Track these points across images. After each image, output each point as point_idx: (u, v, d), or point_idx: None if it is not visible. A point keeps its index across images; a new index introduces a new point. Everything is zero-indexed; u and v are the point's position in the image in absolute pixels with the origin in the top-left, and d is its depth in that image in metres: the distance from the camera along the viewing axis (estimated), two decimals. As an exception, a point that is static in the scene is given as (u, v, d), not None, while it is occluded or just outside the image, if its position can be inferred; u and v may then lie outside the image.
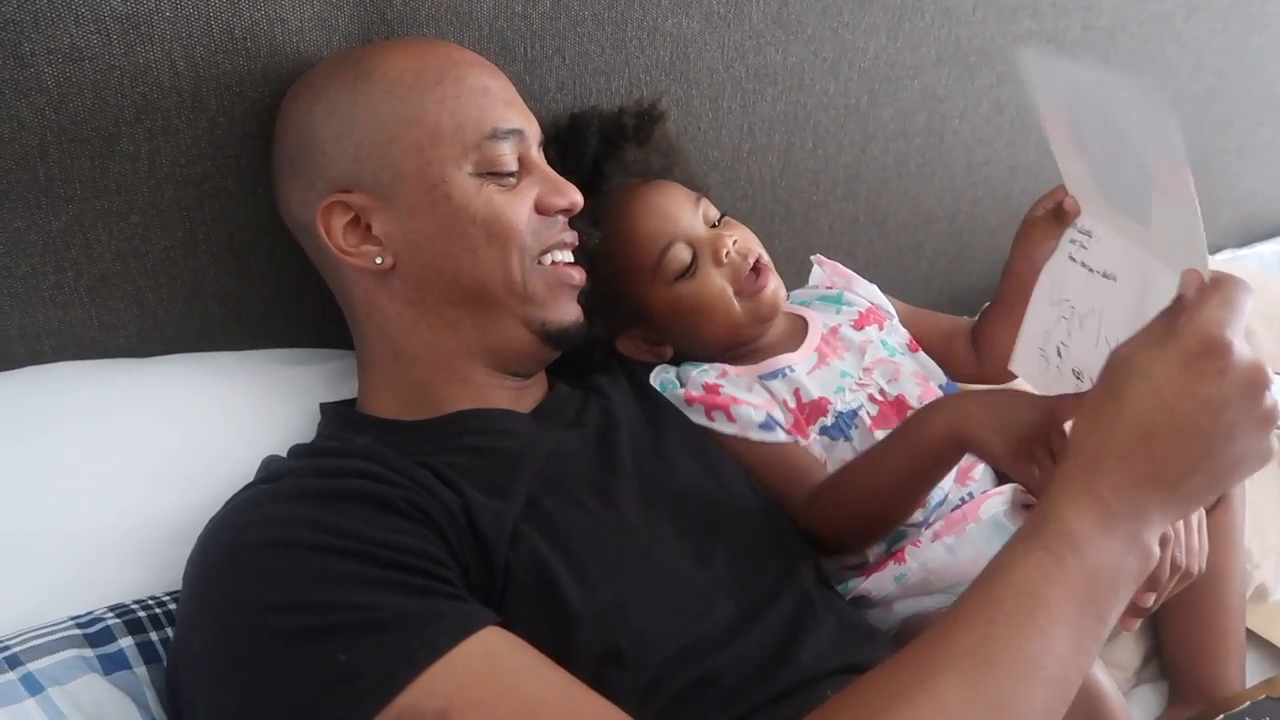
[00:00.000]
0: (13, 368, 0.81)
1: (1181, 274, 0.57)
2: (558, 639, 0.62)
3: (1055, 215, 0.73)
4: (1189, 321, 0.54)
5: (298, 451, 0.75)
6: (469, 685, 0.56)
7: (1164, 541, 0.70)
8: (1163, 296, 0.58)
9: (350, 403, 0.81)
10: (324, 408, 0.81)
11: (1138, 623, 0.83)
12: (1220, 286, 0.55)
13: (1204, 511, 0.77)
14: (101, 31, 0.74)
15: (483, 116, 0.75)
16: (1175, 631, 0.94)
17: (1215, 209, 1.58)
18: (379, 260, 0.74)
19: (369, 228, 0.74)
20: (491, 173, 0.75)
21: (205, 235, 0.84)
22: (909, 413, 0.87)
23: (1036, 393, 0.73)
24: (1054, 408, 0.69)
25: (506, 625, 0.60)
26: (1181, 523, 0.73)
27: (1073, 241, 0.71)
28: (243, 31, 0.78)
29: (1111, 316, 0.66)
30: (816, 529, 0.82)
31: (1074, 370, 0.69)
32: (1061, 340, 0.70)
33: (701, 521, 0.75)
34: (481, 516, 0.65)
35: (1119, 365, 0.56)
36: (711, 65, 1.02)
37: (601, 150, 0.90)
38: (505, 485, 0.68)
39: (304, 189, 0.75)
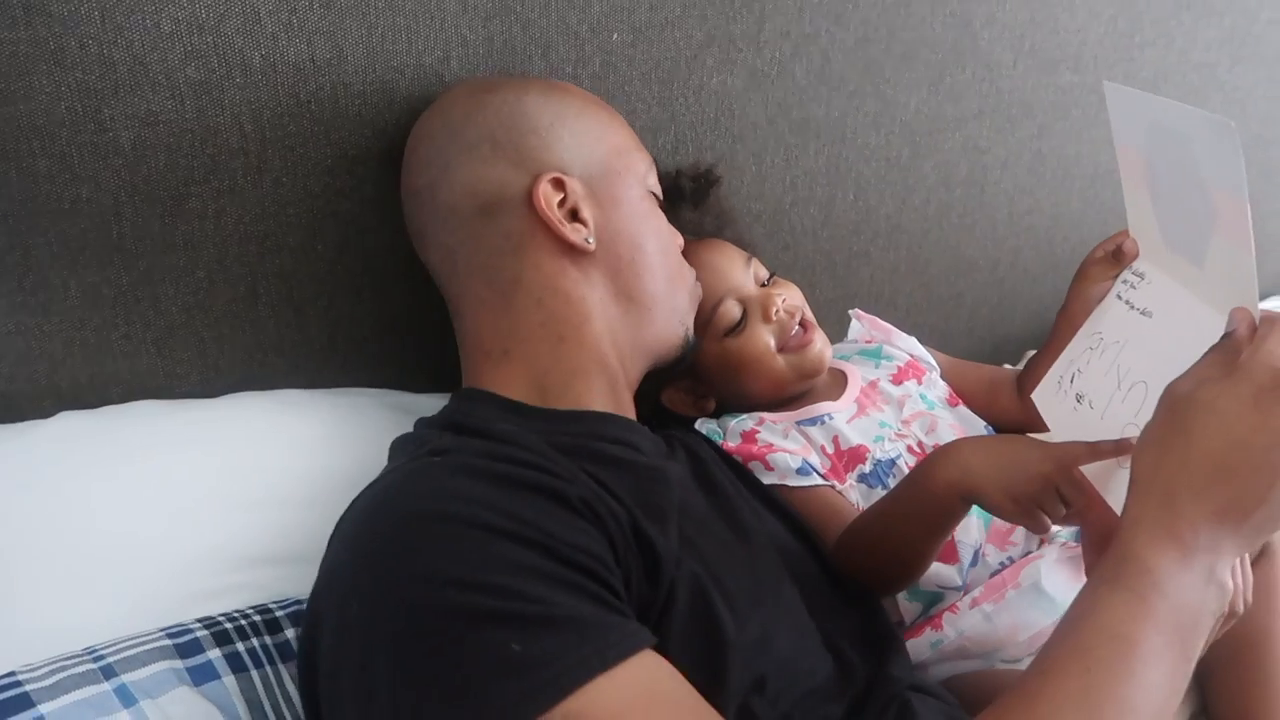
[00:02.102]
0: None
1: (1230, 312, 0.57)
2: (711, 665, 0.61)
3: (1114, 256, 0.75)
4: (1254, 356, 0.54)
5: (440, 424, 0.73)
6: (632, 703, 0.54)
7: None
8: (1200, 336, 0.58)
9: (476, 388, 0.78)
10: (457, 394, 0.78)
11: None
12: (1278, 323, 0.56)
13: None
14: (176, 97, 0.78)
15: (642, 152, 0.83)
16: (1222, 690, 0.93)
17: (1264, 255, 1.56)
18: (590, 240, 0.76)
19: (574, 211, 0.77)
20: (653, 194, 0.83)
21: (266, 289, 0.87)
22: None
23: (1045, 421, 0.73)
24: (1061, 457, 0.68)
25: (665, 646, 0.59)
26: None
27: (1124, 281, 0.73)
28: (308, 96, 0.82)
29: (1132, 350, 0.67)
30: (844, 573, 0.82)
31: (1078, 394, 0.70)
32: (1079, 368, 0.71)
33: (795, 569, 0.76)
34: (649, 534, 0.64)
35: (1181, 401, 0.56)
36: (755, 121, 1.04)
37: None
38: (660, 506, 0.68)
39: (508, 166, 0.76)
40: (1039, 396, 0.76)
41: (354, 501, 0.65)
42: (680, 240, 0.84)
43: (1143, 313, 0.69)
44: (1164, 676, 0.53)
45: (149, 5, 0.74)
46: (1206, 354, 0.57)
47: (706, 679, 0.59)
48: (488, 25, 0.87)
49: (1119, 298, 0.72)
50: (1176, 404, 0.56)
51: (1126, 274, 0.73)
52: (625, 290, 0.78)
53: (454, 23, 0.86)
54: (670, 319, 0.81)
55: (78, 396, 0.85)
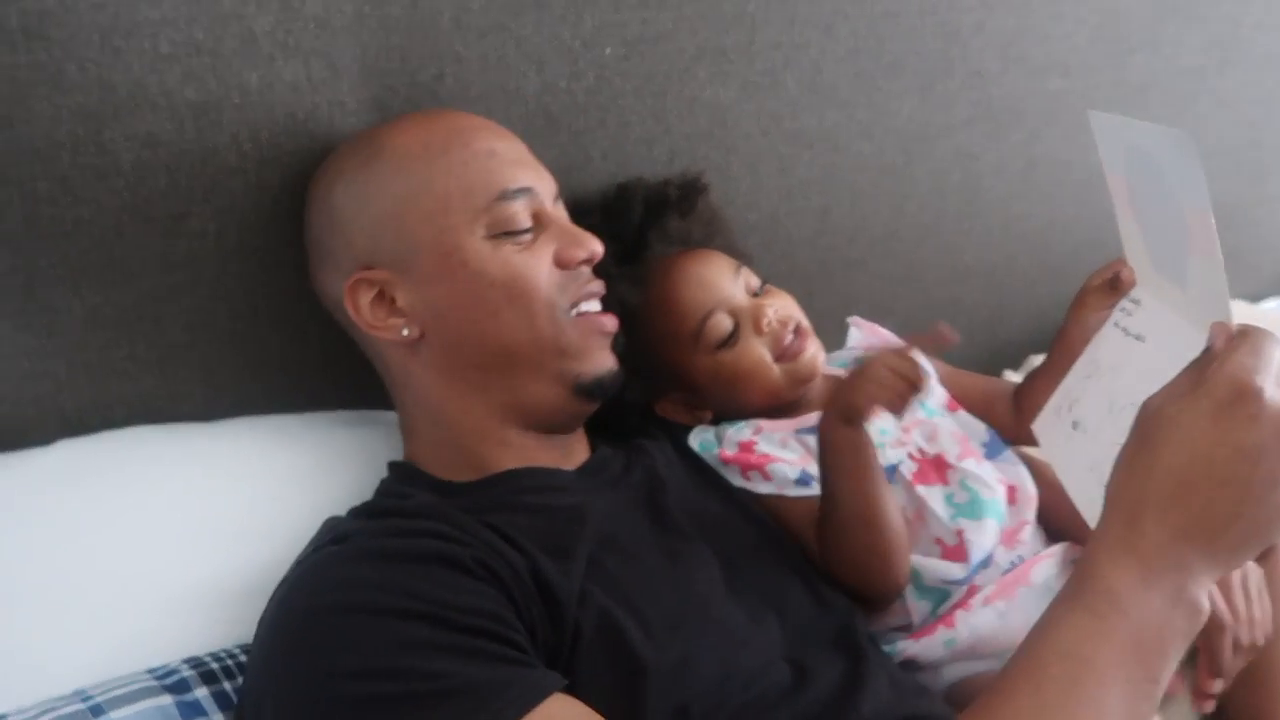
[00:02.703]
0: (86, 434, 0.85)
1: (1210, 327, 0.57)
2: (628, 696, 0.63)
3: (1111, 285, 0.74)
4: (1218, 370, 0.54)
5: (360, 512, 0.77)
6: None
7: (1219, 624, 0.68)
8: (1187, 351, 0.58)
9: (408, 462, 0.84)
10: (391, 466, 0.83)
11: (1211, 704, 0.82)
12: (1248, 336, 0.55)
13: (1263, 580, 0.76)
14: (175, 119, 0.79)
15: (490, 179, 0.76)
16: (1236, 702, 0.92)
17: (1257, 259, 1.57)
18: (405, 332, 0.76)
19: (393, 301, 0.76)
20: (505, 232, 0.76)
21: (267, 306, 0.88)
22: (948, 471, 0.87)
23: (1043, 450, 0.74)
24: (888, 341, 0.73)
25: (577, 684, 0.62)
26: (1241, 596, 0.72)
27: (1122, 309, 0.73)
28: (304, 114, 0.83)
29: (1125, 374, 0.67)
30: (837, 576, 0.82)
31: (1073, 422, 0.70)
32: (1076, 397, 0.71)
33: (752, 580, 0.77)
34: (548, 577, 0.66)
35: (1149, 417, 0.56)
36: (749, 132, 1.05)
37: (646, 220, 0.93)
38: (568, 546, 0.70)
39: (332, 269, 0.79)
40: (1039, 427, 0.76)
41: (274, 592, 0.68)
42: (585, 246, 0.78)
43: (1136, 338, 0.69)
44: (1122, 697, 0.53)
45: (147, 28, 0.75)
46: (1184, 370, 0.57)
47: (623, 710, 0.61)
48: (482, 42, 0.88)
49: (1115, 325, 0.73)
50: (1146, 420, 0.56)
51: (1125, 303, 0.73)
52: (473, 363, 0.77)
53: (448, 40, 0.87)
54: (546, 368, 0.77)
55: (81, 418, 0.85)
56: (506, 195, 0.76)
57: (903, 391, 0.74)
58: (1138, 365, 0.67)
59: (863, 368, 0.76)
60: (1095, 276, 0.78)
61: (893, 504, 0.80)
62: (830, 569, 0.82)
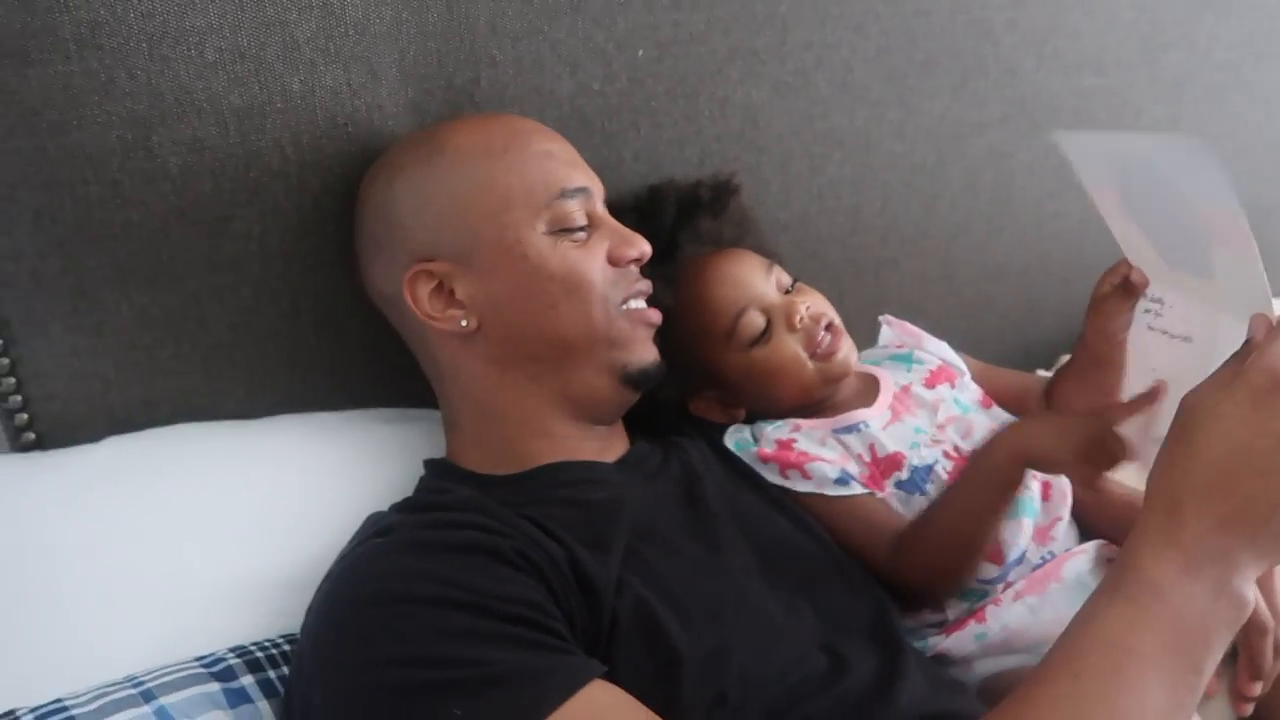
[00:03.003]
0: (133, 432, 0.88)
1: (1250, 319, 0.58)
2: (666, 684, 0.64)
3: (1124, 288, 0.74)
4: (1257, 360, 0.54)
5: (402, 506, 0.78)
6: None
7: (1261, 627, 0.69)
8: (1233, 344, 0.58)
9: (445, 459, 0.85)
10: (428, 463, 0.85)
11: (1249, 707, 0.81)
12: None
13: None
14: (220, 123, 0.81)
15: (549, 178, 0.79)
16: (1274, 704, 0.91)
17: (1296, 255, 1.56)
18: (465, 323, 0.78)
19: (452, 293, 0.78)
20: (563, 229, 0.78)
21: (309, 306, 0.90)
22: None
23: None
24: (1102, 412, 0.72)
25: (615, 673, 0.63)
26: None
27: (1147, 311, 0.73)
28: (344, 118, 0.85)
29: (1189, 378, 0.67)
30: (904, 577, 0.82)
31: (1154, 437, 0.70)
32: (1154, 414, 0.72)
33: (788, 572, 0.77)
34: (586, 567, 0.67)
35: (1188, 410, 0.56)
36: (780, 132, 1.06)
37: (678, 220, 0.94)
38: (605, 537, 0.71)
39: (388, 263, 0.80)
40: (1142, 462, 0.76)
41: (320, 584, 0.70)
42: (636, 246, 0.81)
43: (1184, 339, 0.69)
44: (1164, 688, 0.53)
45: (193, 36, 0.78)
46: (1224, 363, 0.57)
47: (662, 697, 0.62)
48: (516, 46, 0.90)
49: (1150, 328, 0.73)
50: (1185, 414, 0.56)
51: (1145, 303, 0.73)
52: (529, 354, 0.79)
53: (484, 44, 0.88)
54: (597, 358, 0.80)
55: (129, 416, 0.88)
56: (565, 194, 0.79)
57: (1100, 468, 0.75)
58: (1194, 367, 0.66)
59: (1084, 430, 0.75)
60: (1103, 283, 0.78)
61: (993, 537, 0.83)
62: (899, 567, 0.82)
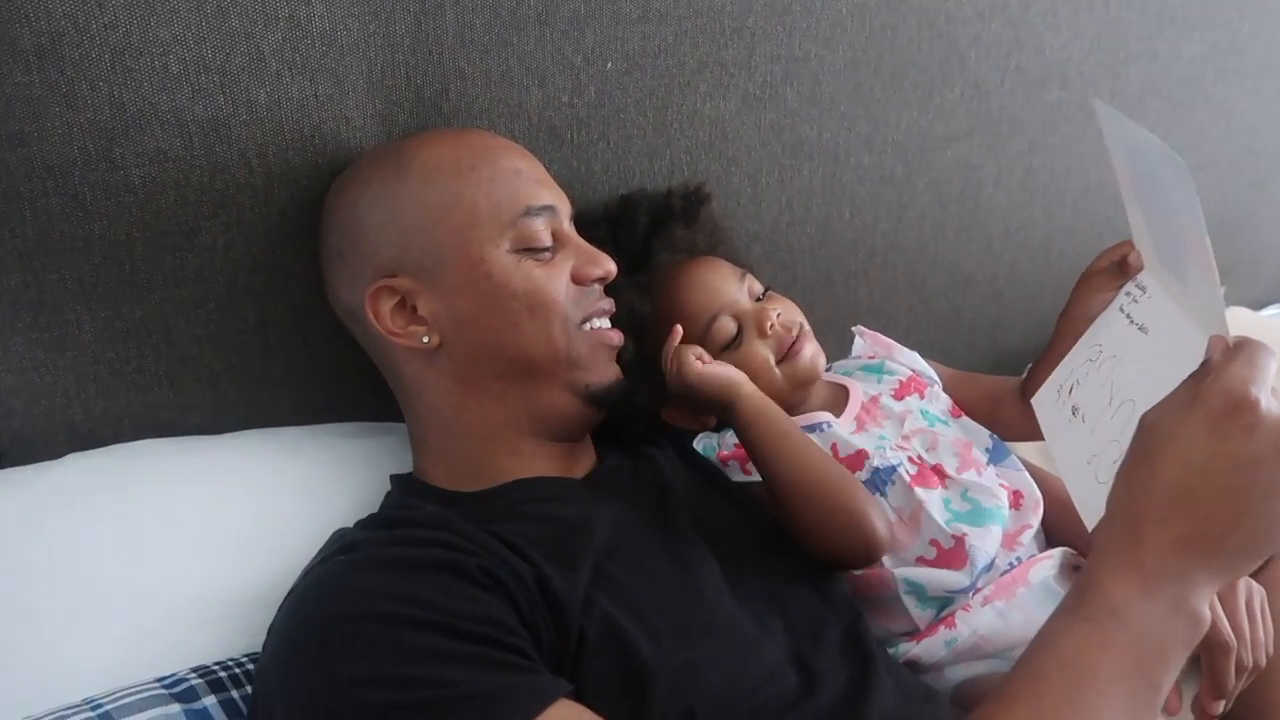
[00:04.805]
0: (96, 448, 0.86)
1: (1209, 340, 0.58)
2: (634, 701, 0.64)
3: (1118, 268, 0.76)
4: (1214, 382, 0.55)
5: (367, 523, 0.77)
6: None
7: (1224, 647, 0.70)
8: (1187, 356, 0.59)
9: (412, 475, 0.85)
10: (393, 479, 0.84)
11: None
12: (1243, 348, 0.56)
13: (1265, 601, 0.77)
14: (184, 135, 0.80)
15: (516, 196, 0.78)
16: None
17: (1258, 267, 1.58)
18: (426, 339, 0.77)
19: (415, 309, 0.77)
20: (528, 249, 0.78)
21: (274, 319, 0.89)
22: (946, 480, 0.88)
23: (1041, 428, 0.74)
24: None
25: (584, 690, 0.62)
26: (1246, 619, 0.73)
27: (1127, 294, 0.74)
28: (311, 130, 0.84)
29: (1126, 365, 0.68)
30: (817, 552, 0.82)
31: (1073, 407, 0.71)
32: (1078, 379, 0.72)
33: (758, 586, 0.77)
34: (553, 585, 0.67)
35: (1147, 430, 0.57)
36: (749, 144, 1.07)
37: (650, 230, 0.94)
38: (573, 554, 0.70)
39: (352, 277, 0.80)
40: (1038, 402, 0.77)
41: (283, 601, 0.69)
42: (601, 265, 0.81)
43: (1140, 328, 0.70)
44: (1122, 704, 0.54)
45: (157, 47, 0.77)
46: (1183, 383, 0.58)
47: (630, 715, 0.62)
48: (485, 58, 0.90)
49: (1120, 310, 0.74)
50: (1144, 434, 0.57)
51: (1130, 286, 0.74)
52: (492, 372, 0.78)
53: (451, 57, 0.88)
54: (559, 378, 0.79)
55: (92, 431, 0.86)
56: (531, 212, 0.78)
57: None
58: (1139, 358, 0.67)
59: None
60: (1103, 257, 0.79)
61: (827, 460, 0.81)
62: (812, 551, 0.81)
